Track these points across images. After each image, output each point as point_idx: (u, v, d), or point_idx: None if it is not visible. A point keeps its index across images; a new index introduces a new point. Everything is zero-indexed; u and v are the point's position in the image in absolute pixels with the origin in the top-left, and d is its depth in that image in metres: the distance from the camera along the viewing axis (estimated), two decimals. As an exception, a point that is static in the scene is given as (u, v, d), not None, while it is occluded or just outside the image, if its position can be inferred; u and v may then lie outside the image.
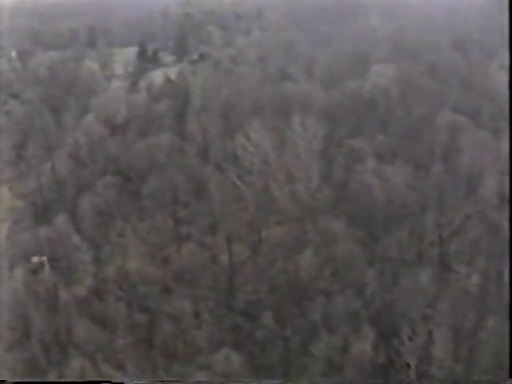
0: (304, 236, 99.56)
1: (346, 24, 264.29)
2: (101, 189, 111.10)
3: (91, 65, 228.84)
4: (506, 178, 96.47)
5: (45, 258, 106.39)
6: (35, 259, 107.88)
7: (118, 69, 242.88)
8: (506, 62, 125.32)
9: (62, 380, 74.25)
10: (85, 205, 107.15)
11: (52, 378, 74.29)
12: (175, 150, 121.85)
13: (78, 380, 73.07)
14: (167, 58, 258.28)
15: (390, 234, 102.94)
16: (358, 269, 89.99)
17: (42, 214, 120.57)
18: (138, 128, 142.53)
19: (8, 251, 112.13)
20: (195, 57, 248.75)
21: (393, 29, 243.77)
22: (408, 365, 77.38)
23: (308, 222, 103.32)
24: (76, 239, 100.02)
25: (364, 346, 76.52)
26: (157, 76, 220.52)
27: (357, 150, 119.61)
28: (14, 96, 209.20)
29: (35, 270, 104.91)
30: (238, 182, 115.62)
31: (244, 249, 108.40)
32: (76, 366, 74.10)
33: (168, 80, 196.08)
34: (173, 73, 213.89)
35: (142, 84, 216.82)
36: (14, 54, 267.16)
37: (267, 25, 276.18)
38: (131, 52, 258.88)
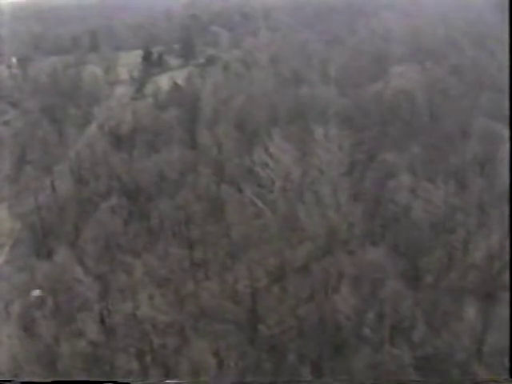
0: (337, 267, 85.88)
1: (358, 23, 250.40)
2: (105, 214, 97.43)
3: (94, 70, 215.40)
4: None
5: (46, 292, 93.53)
6: (34, 293, 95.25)
7: (122, 74, 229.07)
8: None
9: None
10: (87, 234, 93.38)
11: None
12: (187, 167, 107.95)
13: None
14: (173, 61, 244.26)
15: (433, 262, 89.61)
16: (404, 309, 76.13)
17: (41, 242, 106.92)
18: (145, 140, 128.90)
19: (3, 283, 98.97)
20: (202, 60, 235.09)
21: (408, 27, 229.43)
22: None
23: (340, 249, 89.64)
24: (79, 274, 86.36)
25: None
26: (163, 81, 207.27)
27: (388, 164, 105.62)
28: (14, 105, 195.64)
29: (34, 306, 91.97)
30: (258, 202, 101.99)
31: (266, 276, 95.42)
32: None
33: (175, 85, 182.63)
34: (180, 77, 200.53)
35: (148, 90, 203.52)
36: (14, 60, 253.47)
37: (276, 25, 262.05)
38: (135, 56, 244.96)
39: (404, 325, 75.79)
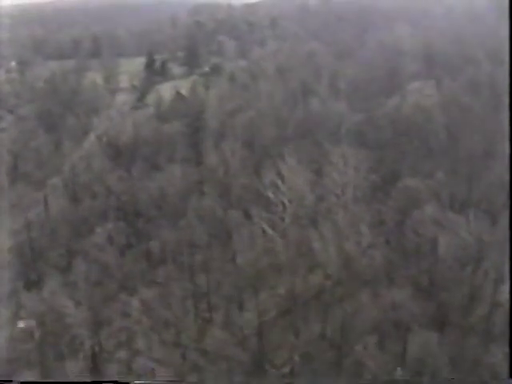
0: (359, 310, 76.45)
1: (368, 34, 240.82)
2: (100, 239, 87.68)
3: (94, 77, 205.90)
4: None
5: (33, 323, 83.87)
6: (22, 324, 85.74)
7: (123, 81, 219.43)
8: None
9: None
10: (80, 262, 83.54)
11: None
12: (190, 188, 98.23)
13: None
14: (176, 69, 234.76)
15: (459, 301, 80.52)
16: (435, 362, 66.48)
17: (29, 266, 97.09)
18: (146, 156, 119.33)
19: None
20: (207, 69, 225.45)
21: (420, 40, 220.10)
22: None
23: (361, 289, 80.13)
24: (69, 309, 76.61)
25: None
26: (166, 90, 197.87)
27: (410, 191, 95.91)
28: (10, 111, 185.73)
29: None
30: (268, 230, 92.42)
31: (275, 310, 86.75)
32: None
33: (178, 95, 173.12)
34: (183, 86, 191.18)
35: (150, 99, 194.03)
36: (13, 64, 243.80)
37: (283, 34, 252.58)
38: (138, 63, 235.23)
39: (428, 371, 66.15)
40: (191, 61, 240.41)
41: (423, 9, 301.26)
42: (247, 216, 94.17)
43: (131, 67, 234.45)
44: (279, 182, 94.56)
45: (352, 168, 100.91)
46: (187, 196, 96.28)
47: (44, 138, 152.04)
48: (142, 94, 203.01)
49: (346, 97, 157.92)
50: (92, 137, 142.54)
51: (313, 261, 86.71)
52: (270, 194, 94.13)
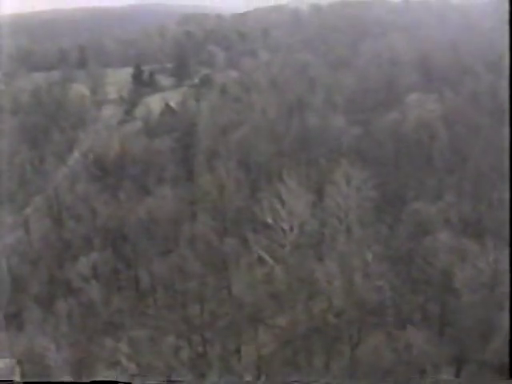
0: (367, 349, 69.17)
1: (363, 45, 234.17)
2: (84, 270, 79.94)
3: (80, 89, 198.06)
4: None
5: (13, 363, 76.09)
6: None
7: (111, 93, 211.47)
8: None
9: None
10: (62, 299, 75.76)
11: None
12: (182, 214, 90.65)
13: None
14: (165, 80, 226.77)
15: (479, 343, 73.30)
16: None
17: (8, 297, 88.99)
18: (134, 176, 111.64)
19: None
20: (196, 80, 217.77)
21: (416, 50, 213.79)
22: None
23: (369, 325, 72.89)
24: (51, 351, 68.93)
25: None
26: (155, 102, 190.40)
27: (420, 215, 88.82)
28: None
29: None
30: (268, 259, 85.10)
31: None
32: None
33: (168, 108, 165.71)
34: (172, 98, 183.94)
35: (138, 112, 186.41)
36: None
37: (274, 45, 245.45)
38: (125, 73, 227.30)
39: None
40: (180, 72, 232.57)
41: (416, 18, 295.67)
42: (244, 243, 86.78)
43: (118, 78, 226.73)
44: (279, 206, 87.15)
45: (355, 189, 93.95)
46: (179, 221, 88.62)
47: (27, 154, 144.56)
48: (130, 106, 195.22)
49: (343, 110, 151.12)
50: (77, 153, 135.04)
51: (316, 293, 79.39)
52: (269, 220, 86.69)
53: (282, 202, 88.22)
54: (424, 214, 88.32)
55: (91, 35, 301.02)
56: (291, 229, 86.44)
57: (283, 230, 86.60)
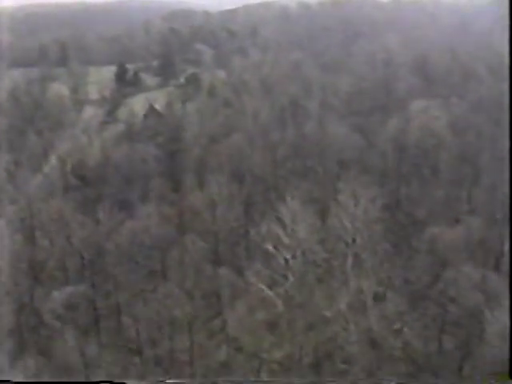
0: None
1: (355, 45, 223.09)
2: (58, 307, 67.85)
3: (59, 88, 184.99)
4: None
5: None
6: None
7: (93, 92, 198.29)
8: None
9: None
10: (31, 342, 63.66)
11: None
12: (169, 237, 78.63)
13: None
14: (150, 80, 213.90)
15: None
16: None
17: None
18: (115, 189, 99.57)
19: None
20: (182, 80, 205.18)
21: (411, 51, 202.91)
22: None
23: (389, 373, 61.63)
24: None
25: None
26: (138, 102, 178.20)
27: (438, 242, 77.65)
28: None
29: None
30: (267, 291, 73.50)
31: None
32: None
33: (153, 111, 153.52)
34: (157, 99, 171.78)
35: (121, 113, 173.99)
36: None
37: (264, 43, 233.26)
38: (108, 72, 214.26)
39: None
40: (166, 70, 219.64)
41: (409, 18, 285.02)
42: (240, 273, 75.09)
43: (101, 76, 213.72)
44: (279, 231, 75.52)
45: (362, 209, 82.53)
46: (165, 246, 76.52)
47: (2, 159, 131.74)
48: (112, 107, 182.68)
49: (341, 115, 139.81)
50: (53, 160, 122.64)
51: (324, 335, 68.01)
52: (269, 246, 75.02)
53: (283, 225, 76.64)
54: (441, 241, 77.07)
55: (73, 31, 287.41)
56: (294, 257, 74.84)
57: (284, 257, 74.94)
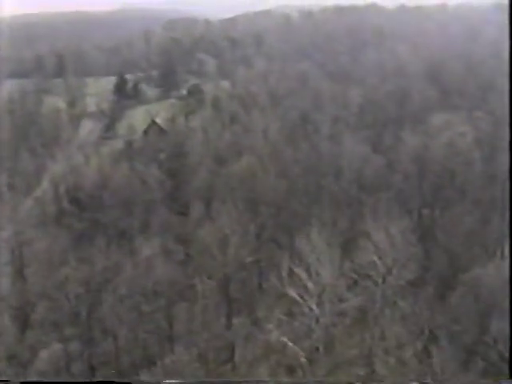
0: None
1: (363, 55, 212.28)
2: (46, 369, 56.77)
3: (55, 101, 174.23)
4: None
5: None
6: None
7: (90, 105, 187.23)
8: None
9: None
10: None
11: None
12: (176, 283, 67.44)
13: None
14: (150, 91, 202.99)
15: None
16: None
17: None
18: (113, 218, 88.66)
19: None
20: (184, 91, 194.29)
21: (422, 60, 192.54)
22: None
23: None
24: None
25: None
26: (139, 116, 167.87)
27: (483, 287, 66.54)
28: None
29: None
30: (287, 342, 62.36)
31: None
32: None
33: (154, 127, 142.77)
34: (159, 112, 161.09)
35: (120, 127, 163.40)
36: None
37: (268, 53, 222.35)
38: (107, 83, 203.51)
39: None
40: (167, 81, 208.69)
41: (416, 26, 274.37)
42: (257, 324, 64.00)
43: (99, 88, 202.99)
44: (303, 274, 64.38)
45: (392, 242, 71.55)
46: (171, 295, 65.27)
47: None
48: (111, 121, 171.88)
49: (353, 129, 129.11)
50: (46, 182, 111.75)
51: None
52: (291, 292, 63.90)
53: (307, 266, 65.52)
54: (485, 284, 66.00)
55: (71, 41, 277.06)
56: (319, 304, 63.71)
57: (306, 302, 63.80)
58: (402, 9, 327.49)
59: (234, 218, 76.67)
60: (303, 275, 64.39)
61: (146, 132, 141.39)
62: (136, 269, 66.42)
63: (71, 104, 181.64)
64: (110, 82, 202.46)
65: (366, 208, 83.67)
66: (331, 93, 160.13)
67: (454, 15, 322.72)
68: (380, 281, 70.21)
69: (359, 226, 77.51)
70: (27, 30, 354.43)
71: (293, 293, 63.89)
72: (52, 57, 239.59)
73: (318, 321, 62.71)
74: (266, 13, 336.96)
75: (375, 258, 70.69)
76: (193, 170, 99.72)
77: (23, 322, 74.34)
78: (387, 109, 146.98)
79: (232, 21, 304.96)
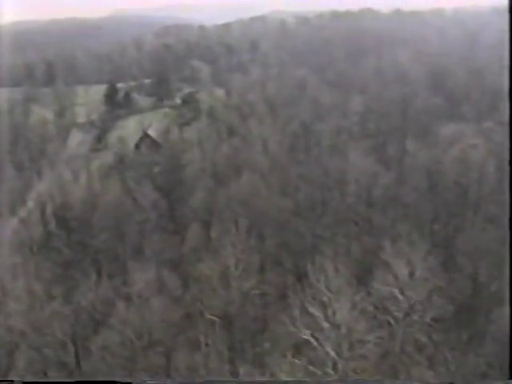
0: None
1: (363, 61, 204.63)
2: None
3: (43, 112, 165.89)
4: None
5: None
6: None
7: (80, 115, 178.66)
8: None
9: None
10: None
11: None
12: (172, 314, 59.07)
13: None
14: (142, 101, 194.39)
15: None
16: None
17: None
18: (104, 241, 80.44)
19: None
20: (178, 100, 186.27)
21: (425, 67, 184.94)
22: None
23: None
24: None
25: None
26: (130, 126, 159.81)
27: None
28: None
29: None
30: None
31: None
32: None
33: (147, 140, 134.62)
34: (151, 125, 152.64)
35: (111, 138, 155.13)
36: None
37: (264, 59, 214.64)
38: (97, 92, 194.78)
39: None
40: (160, 90, 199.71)
41: (413, 31, 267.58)
42: (265, 371, 55.84)
43: (89, 97, 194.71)
44: (319, 314, 56.28)
45: (407, 275, 63.58)
46: (170, 343, 56.75)
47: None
48: (101, 132, 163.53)
49: (358, 141, 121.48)
50: (31, 202, 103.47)
51: None
52: (307, 336, 55.76)
53: (322, 304, 57.43)
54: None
55: (61, 49, 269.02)
56: (337, 348, 55.59)
57: (327, 352, 55.62)
58: (398, 14, 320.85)
59: (235, 244, 68.37)
60: (319, 315, 56.43)
61: (137, 146, 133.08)
62: (129, 308, 57.97)
63: (60, 114, 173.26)
64: (100, 90, 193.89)
65: (380, 230, 75.83)
66: (331, 101, 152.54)
67: (450, 20, 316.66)
68: (401, 316, 62.64)
69: (375, 252, 69.49)
70: (19, 38, 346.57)
71: (307, 335, 55.88)
72: (42, 64, 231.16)
73: (334, 365, 54.72)
74: (261, 19, 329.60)
75: (395, 291, 63.09)
76: (189, 188, 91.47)
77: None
78: (391, 118, 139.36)
79: (227, 27, 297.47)
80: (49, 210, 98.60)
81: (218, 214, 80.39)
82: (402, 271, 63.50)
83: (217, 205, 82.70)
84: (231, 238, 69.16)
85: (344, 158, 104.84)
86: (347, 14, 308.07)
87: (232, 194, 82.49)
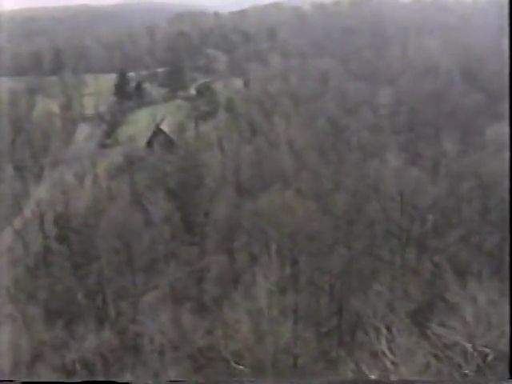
0: None
1: (387, 50, 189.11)
2: None
3: (49, 104, 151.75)
4: None
5: None
6: None
7: (88, 107, 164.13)
8: None
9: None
10: None
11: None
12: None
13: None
14: (155, 91, 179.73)
15: None
16: None
17: None
18: (110, 262, 66.80)
19: None
20: (193, 91, 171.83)
21: (457, 58, 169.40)
22: None
23: None
24: None
25: None
26: (142, 120, 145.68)
27: None
28: None
29: None
30: None
31: None
32: None
33: (160, 136, 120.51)
34: (165, 119, 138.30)
35: (121, 134, 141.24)
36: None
37: (283, 48, 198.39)
38: (108, 81, 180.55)
39: None
40: (173, 80, 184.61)
41: (437, 20, 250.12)
42: None
43: (99, 87, 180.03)
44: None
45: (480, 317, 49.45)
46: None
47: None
48: (110, 126, 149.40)
49: (397, 144, 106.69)
50: (28, 211, 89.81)
51: None
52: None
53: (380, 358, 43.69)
54: None
55: (72, 36, 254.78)
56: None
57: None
58: (419, 2, 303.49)
59: (268, 276, 54.32)
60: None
61: (149, 143, 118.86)
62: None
63: (66, 106, 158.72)
64: (110, 80, 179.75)
65: (439, 255, 61.76)
66: (358, 93, 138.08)
67: (472, 8, 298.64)
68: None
69: (435, 286, 55.44)
70: (28, 25, 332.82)
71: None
72: (50, 52, 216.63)
73: None
74: (276, 5, 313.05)
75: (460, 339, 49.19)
76: (209, 204, 77.21)
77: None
78: (424, 113, 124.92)
79: (242, 13, 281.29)
80: (48, 220, 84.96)
81: (243, 234, 66.29)
82: (469, 312, 49.80)
83: (242, 224, 68.47)
84: (259, 263, 55.24)
85: (382, 162, 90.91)
86: (365, 1, 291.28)
87: (260, 211, 68.08)
